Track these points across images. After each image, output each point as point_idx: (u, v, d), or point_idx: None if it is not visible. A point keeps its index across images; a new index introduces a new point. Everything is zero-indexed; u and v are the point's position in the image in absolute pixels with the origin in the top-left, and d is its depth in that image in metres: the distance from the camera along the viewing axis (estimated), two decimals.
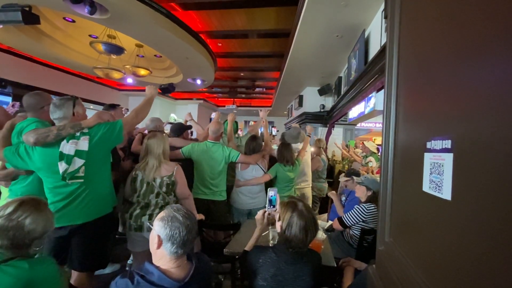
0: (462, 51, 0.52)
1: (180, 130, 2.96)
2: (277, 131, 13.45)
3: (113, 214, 1.84)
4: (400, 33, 0.87)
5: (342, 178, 3.20)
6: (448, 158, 0.54)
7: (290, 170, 2.85)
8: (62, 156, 1.53)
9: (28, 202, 1.14)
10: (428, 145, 0.62)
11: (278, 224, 1.32)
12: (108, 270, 2.65)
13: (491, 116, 0.43)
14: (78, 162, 1.56)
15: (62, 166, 1.53)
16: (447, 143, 0.54)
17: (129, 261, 2.75)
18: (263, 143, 2.86)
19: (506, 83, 0.40)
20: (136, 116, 1.87)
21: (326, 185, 3.90)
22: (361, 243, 2.16)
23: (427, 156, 0.63)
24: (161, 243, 1.06)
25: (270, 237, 1.88)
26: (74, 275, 1.71)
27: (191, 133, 3.36)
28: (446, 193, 0.54)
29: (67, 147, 1.54)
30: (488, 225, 0.43)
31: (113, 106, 2.75)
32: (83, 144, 1.58)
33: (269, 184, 2.85)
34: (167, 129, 3.52)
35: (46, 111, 1.75)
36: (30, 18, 3.42)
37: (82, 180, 1.60)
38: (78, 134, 1.58)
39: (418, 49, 0.74)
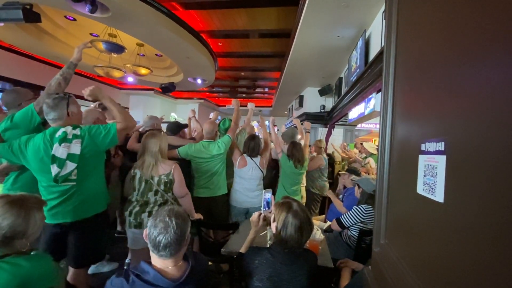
0: (456, 55, 0.52)
1: (177, 128, 2.97)
2: (278, 130, 13.43)
3: (107, 211, 1.83)
4: (397, 36, 0.87)
5: (342, 178, 3.21)
6: (441, 160, 0.54)
7: (300, 168, 2.86)
8: (54, 159, 1.53)
9: (9, 197, 1.11)
10: (423, 147, 0.62)
11: (273, 225, 1.32)
12: (106, 268, 2.66)
13: (483, 119, 0.43)
14: (70, 165, 1.55)
15: (54, 169, 1.53)
16: (441, 145, 0.54)
17: (127, 260, 2.75)
18: (262, 143, 2.87)
19: (498, 86, 0.40)
20: (126, 126, 1.71)
21: (327, 184, 3.89)
22: (359, 244, 2.15)
23: (422, 158, 0.63)
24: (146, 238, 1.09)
25: (268, 237, 1.88)
26: (70, 272, 1.72)
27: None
28: (439, 195, 0.54)
29: (59, 151, 1.53)
30: (479, 228, 0.43)
31: None
32: (75, 147, 1.56)
33: (271, 183, 2.86)
34: (163, 127, 3.53)
35: (24, 107, 1.75)
36: (31, 16, 3.43)
37: (74, 183, 1.60)
38: (70, 137, 1.57)
39: (415, 52, 0.74)
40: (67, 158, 1.54)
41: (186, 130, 3.22)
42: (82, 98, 1.86)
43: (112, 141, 1.68)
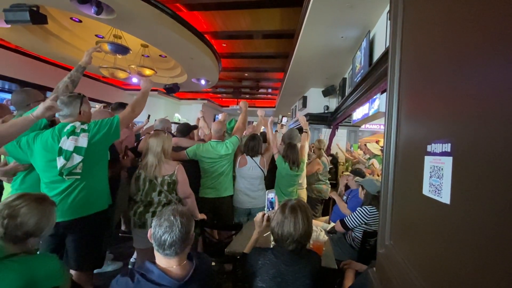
0: (461, 55, 0.52)
1: (187, 130, 2.98)
2: (287, 120, 13.28)
3: (107, 213, 1.80)
4: (403, 36, 0.87)
5: (343, 178, 3.18)
6: (448, 161, 0.53)
7: (295, 169, 2.85)
8: (61, 152, 1.54)
9: (32, 195, 1.15)
10: (429, 148, 0.62)
11: None
12: (110, 268, 2.68)
13: (491, 120, 0.43)
14: (77, 158, 1.57)
15: (60, 162, 1.54)
16: (447, 147, 0.54)
17: (132, 259, 2.77)
18: (262, 142, 2.87)
19: (505, 86, 0.40)
20: (132, 110, 1.85)
21: (325, 187, 3.79)
22: (363, 245, 2.14)
23: (428, 160, 0.62)
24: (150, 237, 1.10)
25: (272, 238, 1.88)
26: (73, 272, 1.71)
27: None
28: (445, 197, 0.54)
29: (67, 143, 1.55)
30: (485, 230, 0.43)
31: (122, 105, 2.77)
32: (83, 140, 1.59)
33: (270, 185, 2.86)
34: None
35: (32, 108, 1.74)
36: (38, 18, 3.48)
37: (79, 177, 1.60)
38: (78, 130, 1.59)
39: (420, 53, 0.74)
40: (74, 150, 1.56)
41: (195, 131, 3.25)
42: (93, 100, 1.90)
43: (115, 132, 1.71)
